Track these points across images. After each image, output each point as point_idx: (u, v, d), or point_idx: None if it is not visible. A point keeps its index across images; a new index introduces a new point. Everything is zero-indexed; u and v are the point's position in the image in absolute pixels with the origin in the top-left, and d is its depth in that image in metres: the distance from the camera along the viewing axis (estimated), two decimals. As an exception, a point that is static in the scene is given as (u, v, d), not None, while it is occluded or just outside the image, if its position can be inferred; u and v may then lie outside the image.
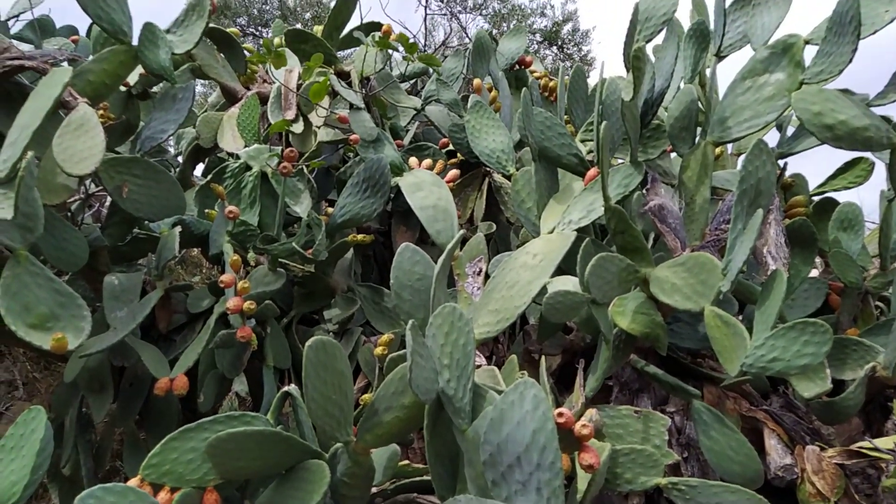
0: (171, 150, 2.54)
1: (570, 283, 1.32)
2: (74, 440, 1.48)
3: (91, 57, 1.49)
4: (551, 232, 1.50)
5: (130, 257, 1.69)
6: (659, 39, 1.64)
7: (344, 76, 2.16)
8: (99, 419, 1.46)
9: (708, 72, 1.69)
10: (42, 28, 2.19)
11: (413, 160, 1.97)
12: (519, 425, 0.87)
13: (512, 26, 2.51)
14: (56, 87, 1.03)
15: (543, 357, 1.38)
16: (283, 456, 1.12)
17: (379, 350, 1.51)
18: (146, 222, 1.71)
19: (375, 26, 2.42)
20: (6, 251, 1.43)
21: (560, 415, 0.93)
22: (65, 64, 1.39)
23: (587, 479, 1.04)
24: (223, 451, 1.04)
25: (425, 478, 1.30)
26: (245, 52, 2.21)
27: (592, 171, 1.55)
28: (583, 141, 1.86)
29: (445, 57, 2.52)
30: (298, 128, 2.03)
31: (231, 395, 1.74)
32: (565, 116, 1.90)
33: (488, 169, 2.17)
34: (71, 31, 2.30)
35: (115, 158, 1.41)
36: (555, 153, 1.63)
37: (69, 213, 1.59)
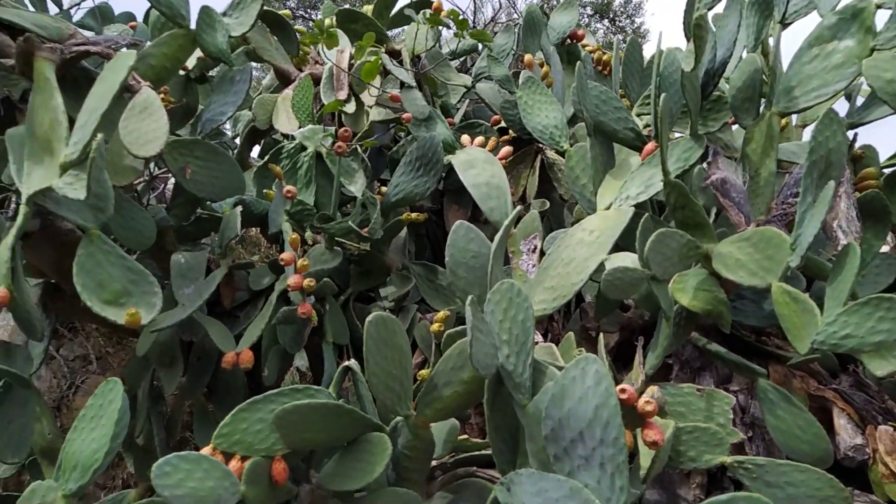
0: (229, 132, 2.60)
1: (628, 260, 1.29)
2: (147, 411, 1.55)
3: (150, 42, 1.53)
4: (608, 208, 1.47)
5: (194, 237, 1.74)
6: (720, 8, 1.58)
7: (395, 55, 2.16)
8: (170, 391, 1.53)
9: (771, 41, 1.62)
10: (102, 15, 2.26)
11: (465, 138, 1.97)
12: (581, 401, 0.86)
13: (562, 0, 2.45)
14: (122, 70, 1.06)
15: (601, 334, 1.37)
16: (346, 428, 1.15)
17: (435, 326, 1.52)
18: (208, 203, 1.76)
19: (425, 4, 2.40)
20: (78, 231, 1.50)
21: (622, 391, 0.93)
22: (125, 49, 1.43)
23: (650, 455, 1.03)
24: (289, 422, 1.07)
25: (484, 452, 1.32)
26: (297, 33, 2.23)
27: (650, 146, 1.52)
28: (639, 115, 1.81)
29: (495, 33, 2.49)
30: (351, 108, 2.05)
31: (292, 370, 1.79)
32: (620, 90, 1.86)
33: (541, 145, 2.15)
34: (129, 17, 2.37)
35: (178, 140, 1.45)
36: (611, 127, 1.60)
37: (136, 195, 1.65)
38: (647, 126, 1.72)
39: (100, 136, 1.01)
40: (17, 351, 1.35)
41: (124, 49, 1.39)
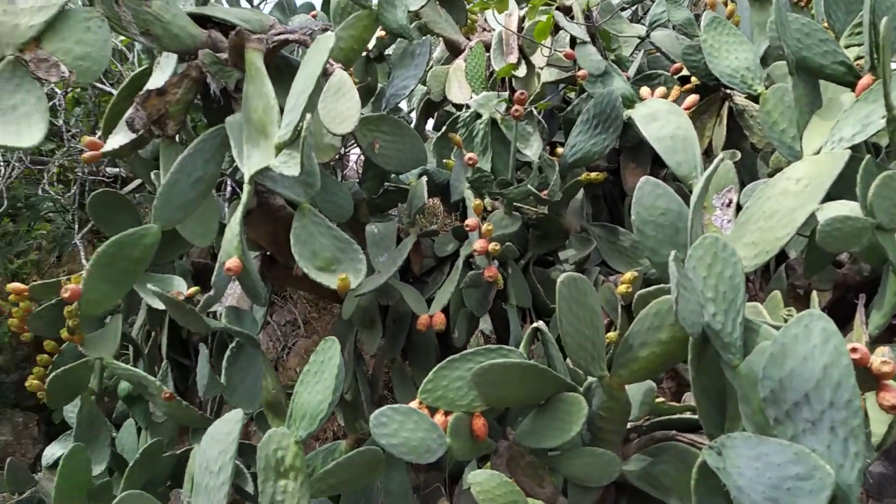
0: (404, 107, 2.70)
1: (847, 209, 1.16)
2: (353, 370, 1.69)
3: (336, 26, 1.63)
4: (817, 153, 1.33)
5: (383, 208, 1.85)
6: None
7: (566, 11, 2.10)
8: (372, 351, 1.66)
9: None
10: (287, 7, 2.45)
11: (645, 90, 1.87)
12: (806, 360, 0.80)
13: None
14: (323, 52, 1.14)
15: (814, 293, 1.25)
16: (541, 387, 1.17)
17: (622, 288, 1.48)
18: (394, 175, 1.85)
19: (594, -46, 2.30)
20: (288, 207, 1.66)
21: (854, 350, 0.84)
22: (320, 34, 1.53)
23: (887, 421, 0.93)
24: (486, 380, 1.11)
25: (683, 416, 1.27)
26: (465, 2, 2.25)
27: (866, 79, 1.33)
28: (847, 47, 1.60)
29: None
30: (521, 71, 2.04)
31: (477, 333, 1.85)
32: (823, 22, 1.65)
33: (728, 91, 1.98)
34: (310, 7, 2.54)
35: (366, 117, 1.54)
36: (816, 63, 1.43)
37: (332, 171, 1.79)
38: (858, 58, 1.52)
39: (309, 116, 1.10)
40: (245, 315, 1.54)
41: (319, 34, 1.48)
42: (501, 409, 1.30)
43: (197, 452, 1.36)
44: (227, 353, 1.46)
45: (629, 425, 1.32)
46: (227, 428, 1.04)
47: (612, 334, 1.55)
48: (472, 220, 1.48)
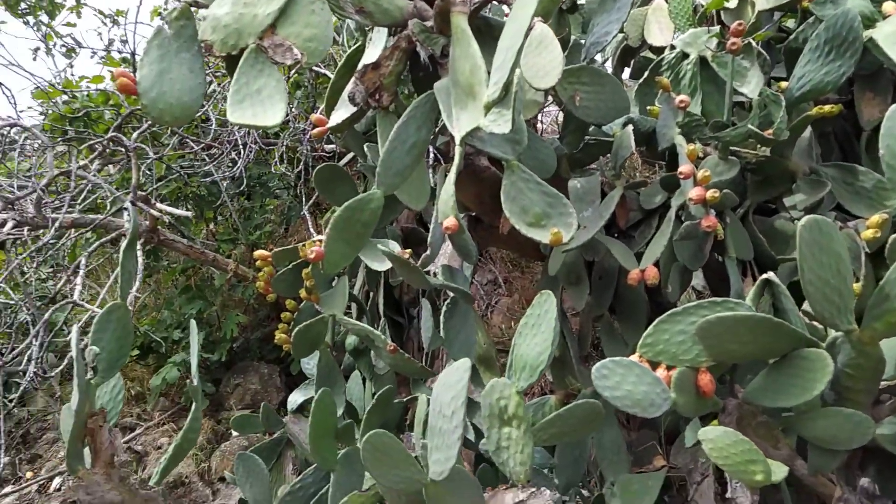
0: (598, 58, 2.61)
1: None
2: (560, 326, 1.70)
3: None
4: None
5: (583, 163, 1.82)
6: None
7: (784, -74, 1.86)
8: (580, 308, 1.65)
9: None
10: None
11: (888, 5, 1.60)
12: None
13: None
14: (530, 6, 1.13)
15: None
16: (775, 342, 1.08)
17: (869, 233, 1.31)
18: (594, 127, 1.80)
19: None
20: (492, 167, 1.70)
21: None
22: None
23: None
24: (713, 333, 1.05)
25: (956, 376, 1.10)
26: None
27: None
28: None
29: None
30: (733, 2, 1.85)
31: (688, 289, 1.76)
32: None
33: None
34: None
35: (567, 69, 1.51)
36: None
37: (532, 128, 1.79)
38: None
39: (518, 70, 1.11)
40: (457, 273, 1.62)
41: (512, -9, 1.47)
42: (728, 365, 1.22)
43: (422, 400, 1.47)
44: (444, 308, 1.55)
45: (883, 384, 1.18)
46: (456, 376, 1.10)
47: (856, 285, 1.39)
48: (686, 167, 1.39)
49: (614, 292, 1.68)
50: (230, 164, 2.79)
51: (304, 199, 2.67)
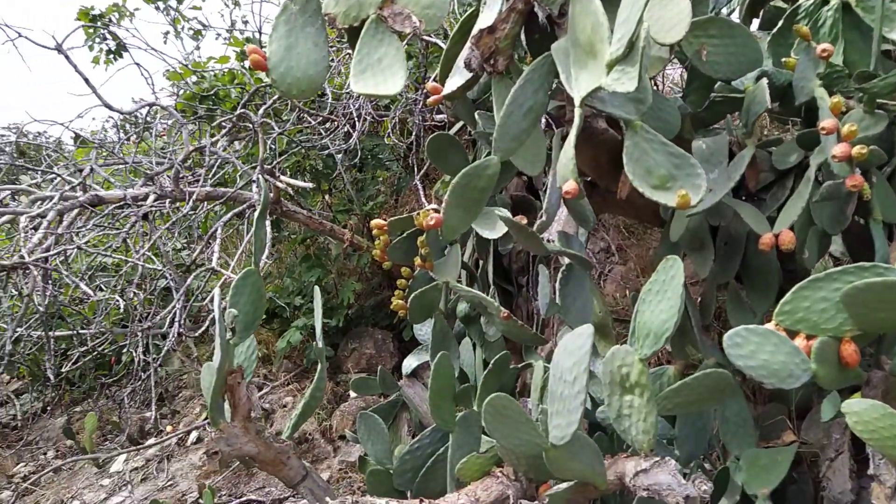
0: (723, 11, 2.44)
1: None
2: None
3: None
4: None
5: (707, 122, 1.71)
6: None
7: None
8: (703, 275, 1.58)
9: None
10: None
11: None
12: None
13: None
14: (653, -43, 1.07)
15: None
16: (936, 312, 0.98)
17: None
18: (722, 83, 1.70)
19: None
20: (610, 130, 1.64)
21: None
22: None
23: None
24: (860, 301, 0.98)
25: None
26: None
27: None
28: None
29: None
30: (884, -65, 1.66)
31: (825, 257, 1.63)
32: None
33: None
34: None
35: (694, 21, 1.42)
36: None
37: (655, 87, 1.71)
38: None
39: (646, 23, 1.06)
40: (573, 239, 1.59)
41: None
42: (874, 335, 1.13)
43: (538, 366, 1.47)
44: (559, 275, 1.53)
45: None
46: (579, 342, 1.09)
47: None
48: (829, 122, 1.28)
49: (742, 259, 1.59)
50: (344, 138, 2.88)
51: (415, 169, 2.72)
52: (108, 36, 3.02)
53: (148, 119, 3.20)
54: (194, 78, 3.04)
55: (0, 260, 1.91)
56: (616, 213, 2.34)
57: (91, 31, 3.10)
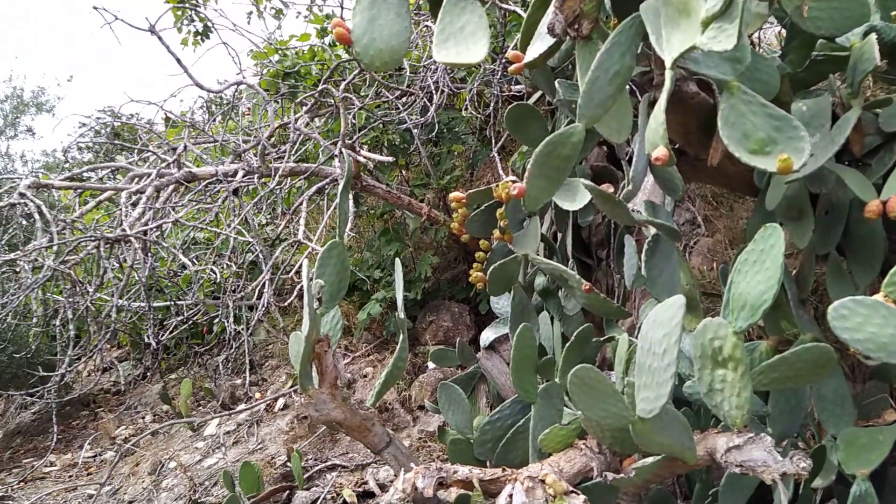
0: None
1: None
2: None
3: None
4: None
5: (807, 83, 1.60)
6: None
7: None
8: (801, 245, 1.49)
9: None
10: None
11: None
12: None
13: None
14: None
15: None
16: None
17: None
18: (824, 41, 1.58)
19: None
20: (702, 94, 1.57)
21: None
22: None
23: None
24: None
25: None
26: None
27: None
28: None
29: None
30: None
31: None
32: None
33: None
34: None
35: (797, -25, 1.33)
36: None
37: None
38: None
39: (746, -23, 1.00)
40: (659, 208, 1.54)
41: None
42: None
43: (623, 339, 1.44)
44: (645, 246, 1.49)
45: None
46: (669, 313, 1.06)
47: None
48: (950, 78, 1.17)
49: (844, 228, 1.49)
50: (421, 112, 2.89)
51: (492, 141, 2.69)
52: (195, 18, 3.13)
53: (235, 97, 3.32)
54: (277, 56, 3.12)
55: (105, 233, 2.04)
56: (705, 182, 2.24)
57: (179, 13, 3.23)
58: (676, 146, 1.69)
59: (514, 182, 1.45)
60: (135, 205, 2.10)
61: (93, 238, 2.02)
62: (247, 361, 3.27)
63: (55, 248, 2.03)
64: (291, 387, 3.91)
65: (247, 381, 3.65)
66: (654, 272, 1.50)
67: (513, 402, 1.77)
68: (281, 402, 3.82)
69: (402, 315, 1.79)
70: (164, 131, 4.21)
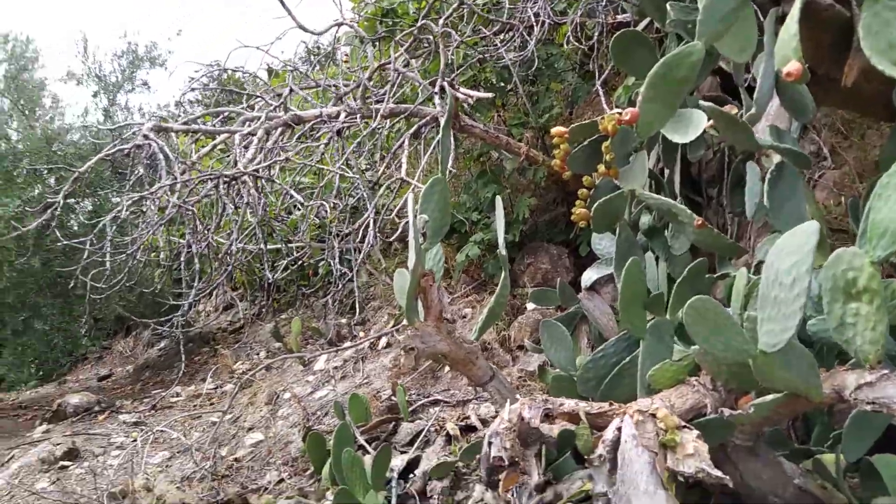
0: None
1: None
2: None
3: None
4: None
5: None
6: None
7: None
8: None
9: None
10: None
11: None
12: None
13: None
14: None
15: None
16: None
17: None
18: None
19: None
20: (837, 6, 1.42)
21: None
22: None
23: None
24: None
25: None
26: None
27: None
28: None
29: None
30: None
31: None
32: None
33: None
34: None
35: None
36: None
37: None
38: None
39: None
40: (785, 134, 1.42)
41: None
42: None
43: (741, 273, 1.37)
44: (768, 176, 1.39)
45: None
46: (800, 240, 0.99)
47: None
48: None
49: None
50: (519, 49, 2.80)
51: (596, 74, 2.58)
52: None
53: (334, 42, 3.35)
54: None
55: (224, 172, 2.16)
56: (836, 107, 2.04)
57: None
58: (807, 66, 1.55)
59: (618, 115, 1.38)
60: (247, 147, 2.19)
61: (212, 177, 2.14)
62: (357, 301, 3.40)
63: (178, 187, 2.17)
64: (394, 326, 4.05)
65: (354, 321, 3.80)
66: (776, 203, 1.40)
67: (618, 340, 1.74)
68: (384, 340, 3.97)
69: (503, 252, 1.78)
70: (268, 81, 4.34)
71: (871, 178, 1.76)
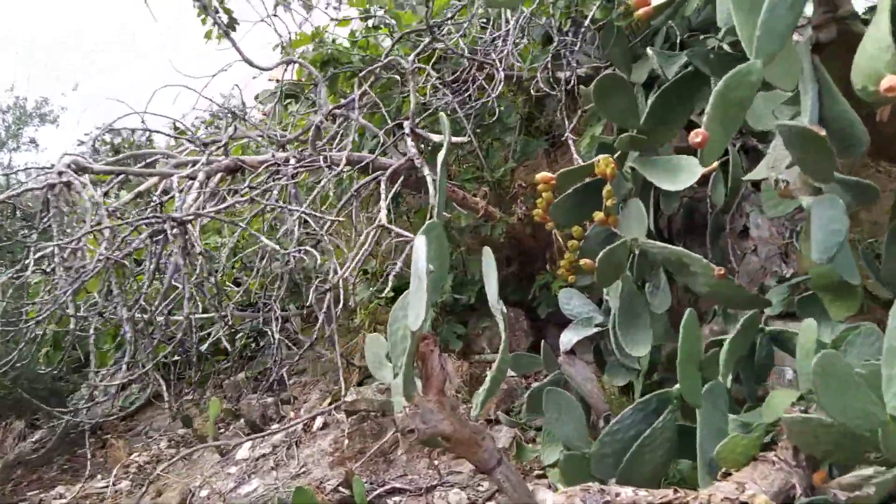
0: None
1: None
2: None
3: None
4: None
5: None
6: None
7: None
8: None
9: None
10: None
11: None
12: None
13: None
14: None
15: None
16: None
17: None
18: None
19: None
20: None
21: None
22: None
23: None
24: None
25: None
26: None
27: None
28: None
29: None
30: None
31: None
32: None
33: None
34: None
35: None
36: None
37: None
38: None
39: None
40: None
41: None
42: None
43: (808, 324, 1.19)
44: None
45: None
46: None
47: None
48: None
49: None
50: (476, 98, 2.66)
51: (565, 121, 2.46)
52: (219, 9, 2.92)
53: (255, 97, 3.09)
54: (311, 47, 2.89)
55: (171, 215, 1.78)
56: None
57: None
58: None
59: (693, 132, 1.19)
60: (186, 191, 1.86)
61: (157, 220, 1.76)
62: (286, 372, 2.99)
63: (106, 233, 1.78)
64: (329, 404, 3.64)
65: (280, 399, 3.37)
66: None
67: (634, 411, 1.52)
68: (320, 420, 3.55)
69: (503, 307, 1.54)
70: (175, 137, 3.97)
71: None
